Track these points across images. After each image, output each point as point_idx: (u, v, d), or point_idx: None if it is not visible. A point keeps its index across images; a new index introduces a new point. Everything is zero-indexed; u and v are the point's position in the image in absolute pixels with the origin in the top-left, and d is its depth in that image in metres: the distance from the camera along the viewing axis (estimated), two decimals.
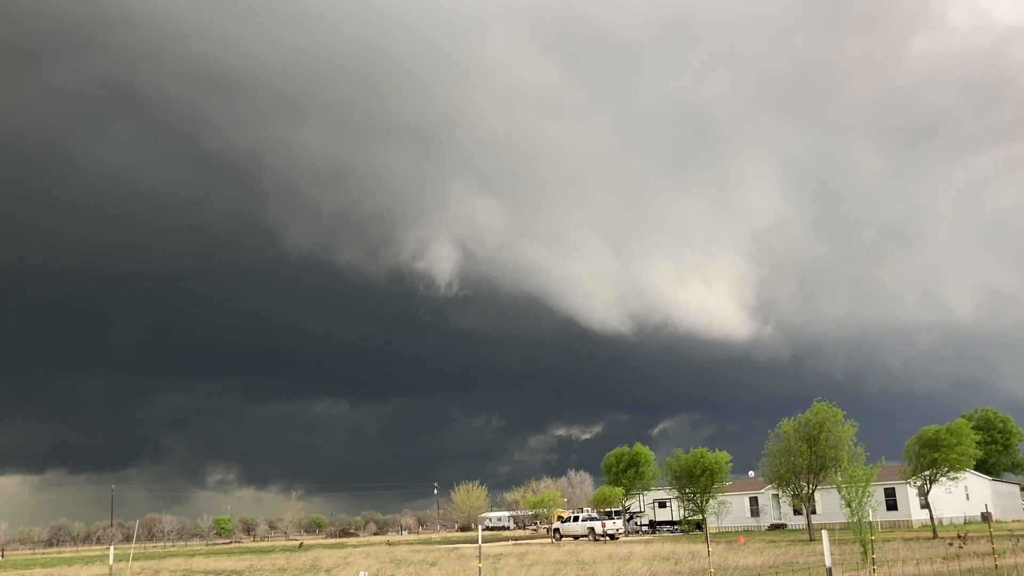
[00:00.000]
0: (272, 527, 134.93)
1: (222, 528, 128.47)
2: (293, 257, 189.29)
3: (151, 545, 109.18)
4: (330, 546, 68.02)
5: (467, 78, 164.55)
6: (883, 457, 44.03)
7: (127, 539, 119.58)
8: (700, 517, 58.81)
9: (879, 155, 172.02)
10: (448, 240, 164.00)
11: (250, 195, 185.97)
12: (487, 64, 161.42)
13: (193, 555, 59.78)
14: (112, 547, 23.11)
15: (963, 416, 67.80)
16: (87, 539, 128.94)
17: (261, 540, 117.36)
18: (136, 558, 56.22)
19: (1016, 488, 70.39)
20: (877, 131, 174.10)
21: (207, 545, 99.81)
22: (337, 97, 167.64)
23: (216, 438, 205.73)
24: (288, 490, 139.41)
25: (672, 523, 71.98)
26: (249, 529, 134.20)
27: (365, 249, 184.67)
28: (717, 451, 58.19)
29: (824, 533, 11.85)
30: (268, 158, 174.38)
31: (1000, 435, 76.99)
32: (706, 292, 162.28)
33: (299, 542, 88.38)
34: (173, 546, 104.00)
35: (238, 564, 41.88)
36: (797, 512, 59.44)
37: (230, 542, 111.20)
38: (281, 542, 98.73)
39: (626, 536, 62.32)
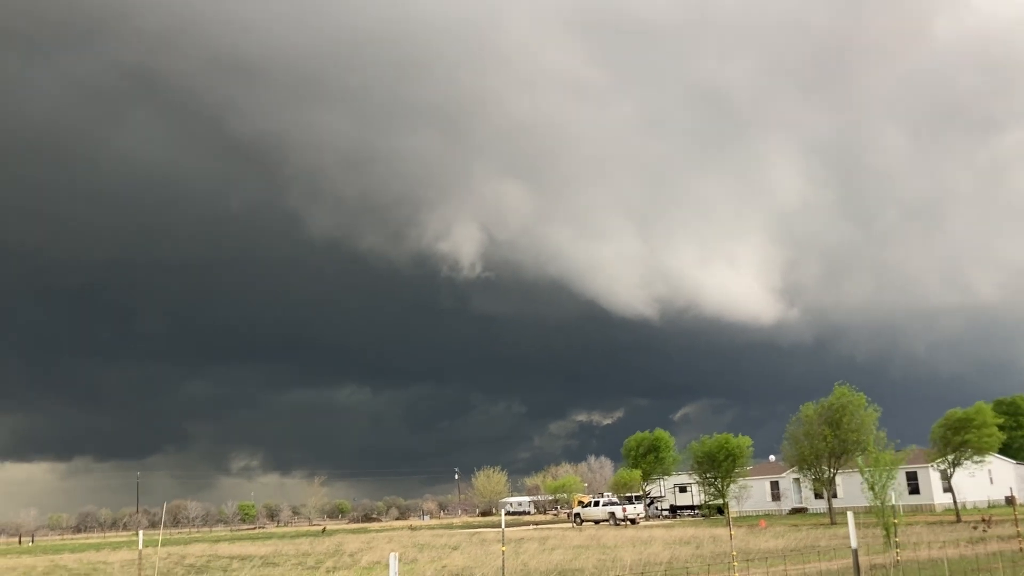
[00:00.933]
0: (296, 513, 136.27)
1: (246, 514, 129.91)
2: (316, 242, 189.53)
3: (176, 531, 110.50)
4: (353, 531, 68.59)
5: (491, 60, 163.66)
6: (913, 445, 44.00)
7: (153, 525, 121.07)
8: (721, 502, 58.80)
9: (904, 136, 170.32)
10: (471, 223, 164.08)
11: (272, 181, 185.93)
12: (511, 45, 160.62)
13: (218, 541, 60.49)
14: (141, 533, 23.43)
15: (993, 403, 67.23)
16: (114, 525, 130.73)
17: (285, 525, 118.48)
18: (162, 544, 56.96)
19: None
20: (901, 112, 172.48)
21: (231, 531, 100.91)
22: (359, 80, 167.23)
23: (240, 425, 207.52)
24: (312, 476, 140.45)
25: (693, 508, 72.01)
26: (273, 515, 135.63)
27: (387, 233, 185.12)
28: (740, 436, 58.18)
29: (850, 515, 11.86)
30: (290, 143, 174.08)
31: None
32: (730, 275, 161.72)
33: (322, 527, 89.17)
34: (198, 532, 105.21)
35: (262, 549, 42.31)
36: (818, 496, 59.29)
37: (254, 528, 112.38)
38: (304, 527, 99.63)
39: (647, 521, 62.44)
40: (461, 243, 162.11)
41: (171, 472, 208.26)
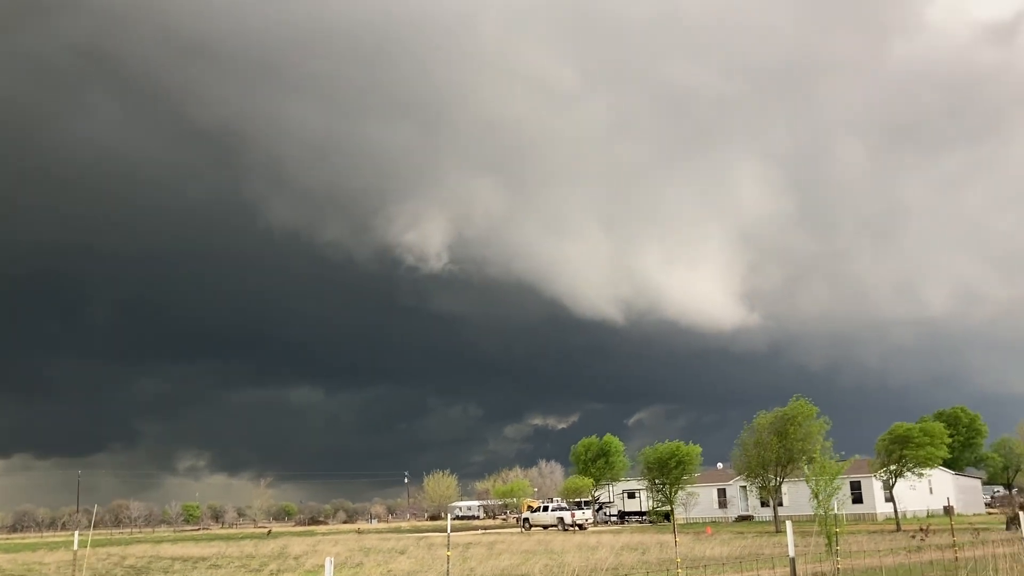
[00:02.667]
0: (241, 514, 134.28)
1: (190, 515, 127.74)
2: (275, 235, 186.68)
3: (117, 531, 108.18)
4: (299, 534, 67.79)
5: (465, 55, 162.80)
6: (856, 455, 44.73)
7: (94, 525, 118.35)
8: (669, 508, 59.26)
9: (861, 150, 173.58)
10: (437, 219, 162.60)
11: (232, 170, 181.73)
12: (487, 42, 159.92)
13: (160, 542, 59.35)
14: (77, 533, 22.84)
15: (934, 414, 68.72)
16: (52, 525, 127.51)
17: (230, 527, 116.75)
18: (101, 544, 55.70)
19: (978, 483, 71.63)
20: (860, 126, 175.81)
21: (175, 532, 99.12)
22: (327, 69, 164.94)
23: (189, 424, 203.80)
24: (260, 477, 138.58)
25: (641, 514, 72.45)
26: (218, 516, 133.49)
27: (350, 227, 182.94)
28: (691, 444, 58.70)
29: (788, 524, 11.99)
30: (252, 131, 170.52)
31: (966, 432, 78.18)
32: (691, 280, 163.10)
33: (268, 529, 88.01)
34: (140, 532, 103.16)
35: (206, 550, 41.61)
36: (764, 504, 60.07)
37: (198, 529, 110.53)
38: (250, 529, 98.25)
39: (595, 526, 62.65)
40: (426, 239, 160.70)
41: (115, 471, 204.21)
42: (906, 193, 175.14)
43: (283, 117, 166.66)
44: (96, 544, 55.71)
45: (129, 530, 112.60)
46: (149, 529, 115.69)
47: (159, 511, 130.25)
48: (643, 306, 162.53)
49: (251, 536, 64.47)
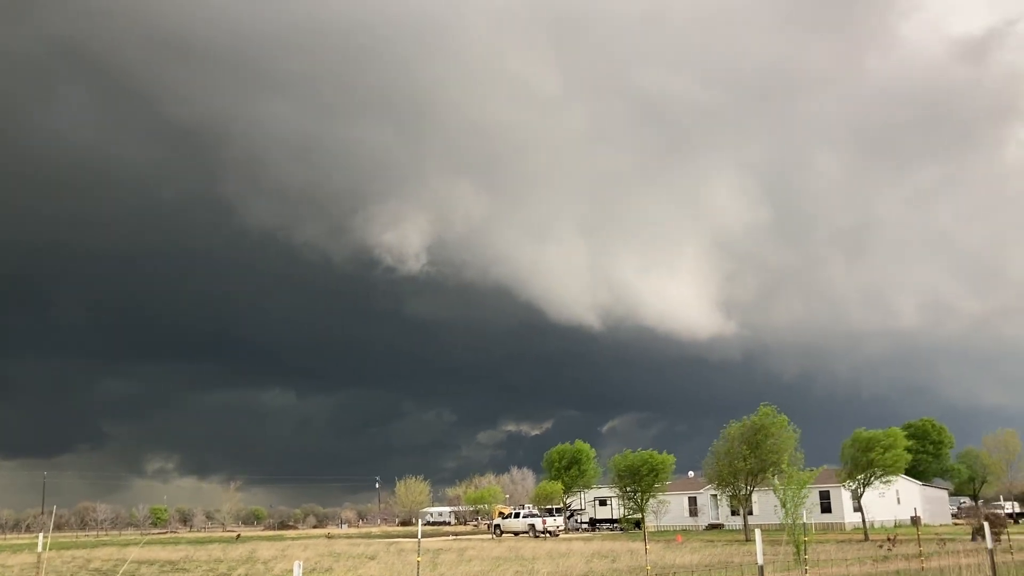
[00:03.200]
0: (210, 518, 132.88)
1: (158, 518, 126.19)
2: (250, 235, 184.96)
3: (83, 534, 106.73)
4: (268, 538, 67.23)
5: (449, 58, 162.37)
6: (825, 465, 45.08)
7: (58, 528, 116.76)
8: (640, 516, 59.42)
9: (836, 163, 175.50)
10: (416, 221, 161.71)
11: (207, 169, 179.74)
12: (471, 46, 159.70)
13: (127, 545, 58.62)
14: (41, 535, 22.52)
15: (903, 426, 69.48)
16: (16, 527, 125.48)
17: (198, 531, 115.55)
18: (66, 547, 54.93)
19: (945, 493, 72.46)
20: (835, 139, 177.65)
21: (141, 535, 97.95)
22: (307, 68, 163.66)
23: (158, 425, 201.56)
24: (230, 480, 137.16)
25: (612, 521, 72.56)
26: (186, 519, 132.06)
27: (327, 228, 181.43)
28: (664, 453, 58.87)
29: (757, 532, 12.07)
30: (228, 130, 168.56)
31: (934, 443, 79.18)
32: (667, 289, 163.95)
33: (236, 533, 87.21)
34: (107, 535, 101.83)
35: (173, 555, 41.15)
36: (734, 513, 60.37)
37: (166, 532, 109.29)
38: (218, 533, 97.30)
39: (566, 533, 62.67)
40: (404, 241, 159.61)
41: (82, 473, 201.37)
42: (879, 206, 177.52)
43: (261, 115, 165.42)
44: (61, 547, 54.92)
45: (95, 533, 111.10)
46: (116, 532, 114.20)
47: (126, 514, 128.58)
48: (620, 313, 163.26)
49: (220, 540, 63.85)
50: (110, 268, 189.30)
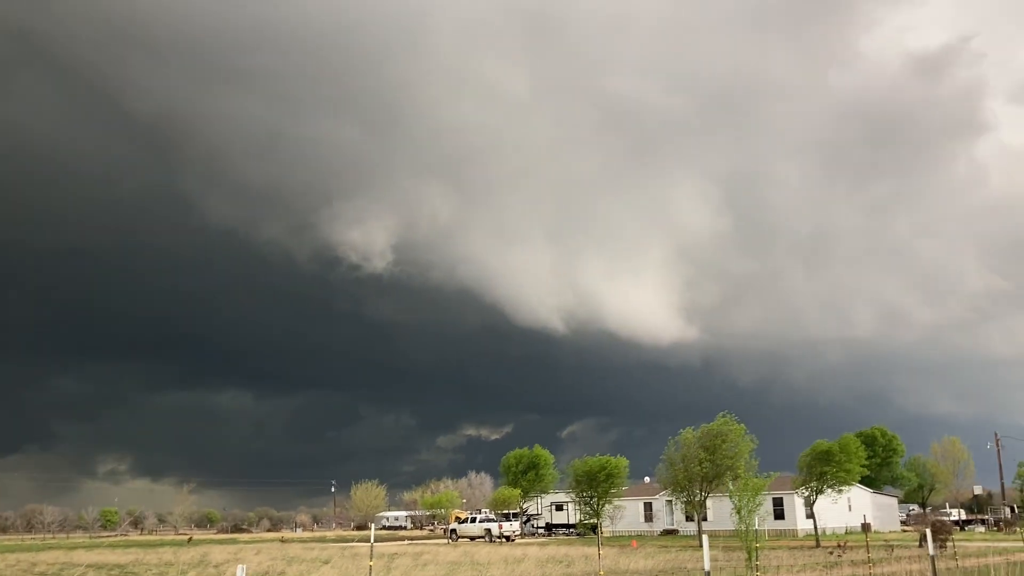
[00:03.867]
0: (161, 521, 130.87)
1: (108, 520, 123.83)
2: (210, 232, 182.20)
3: (29, 537, 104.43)
4: (221, 541, 66.34)
5: (421, 59, 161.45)
6: (777, 472, 45.53)
7: (4, 530, 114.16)
8: (596, 521, 59.65)
9: (797, 173, 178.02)
10: (381, 221, 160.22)
11: (167, 164, 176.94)
12: (443, 48, 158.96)
13: (74, 548, 57.48)
14: None
15: (855, 434, 70.62)
16: None
17: (149, 534, 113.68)
18: (11, 550, 53.72)
19: (894, 501, 73.78)
20: (797, 151, 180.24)
21: (90, 538, 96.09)
22: (275, 64, 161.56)
23: (111, 426, 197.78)
24: (183, 483, 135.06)
25: (569, 526, 72.74)
26: (137, 522, 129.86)
27: (289, 227, 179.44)
28: (619, 458, 59.18)
29: (704, 538, 12.22)
30: (191, 124, 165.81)
31: (884, 451, 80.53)
32: (630, 294, 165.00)
33: (188, 536, 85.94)
34: (53, 538, 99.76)
35: (122, 558, 40.45)
36: (689, 518, 60.91)
37: (116, 535, 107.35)
38: (170, 536, 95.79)
39: (522, 538, 62.70)
40: (369, 241, 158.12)
41: (30, 474, 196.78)
42: (838, 216, 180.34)
43: (223, 110, 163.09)
44: (5, 550, 53.72)
45: (42, 536, 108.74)
46: (64, 535, 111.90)
47: (75, 516, 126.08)
48: (584, 317, 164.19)
49: (171, 543, 62.86)
50: (63, 264, 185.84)
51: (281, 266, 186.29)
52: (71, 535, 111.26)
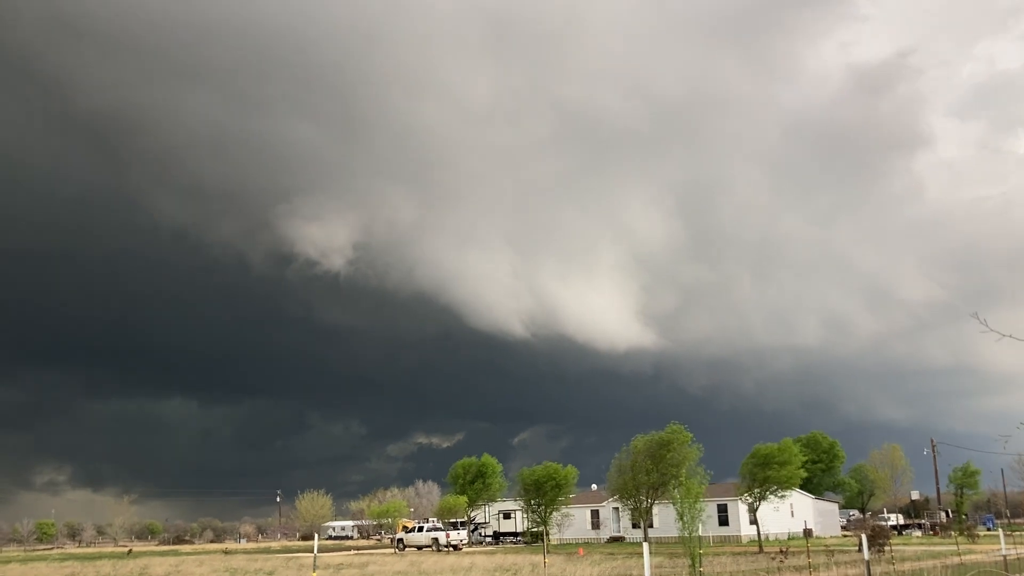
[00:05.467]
0: (101, 533, 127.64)
1: (44, 533, 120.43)
2: (160, 234, 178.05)
3: None
4: (162, 553, 64.98)
5: (383, 63, 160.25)
6: (728, 480, 45.93)
7: None
8: (543, 529, 59.75)
9: (746, 184, 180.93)
10: (338, 224, 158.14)
11: (114, 162, 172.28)
12: (405, 52, 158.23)
13: (8, 562, 55.78)
14: None
15: (795, 439, 71.92)
16: None
17: (88, 546, 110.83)
18: None
19: (835, 506, 75.17)
20: (745, 161, 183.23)
21: (25, 551, 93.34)
22: (232, 63, 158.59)
23: (49, 435, 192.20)
24: (125, 493, 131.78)
25: (516, 534, 72.75)
26: (75, 534, 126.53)
27: (240, 229, 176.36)
28: (568, 466, 59.33)
29: (645, 545, 12.34)
30: (142, 121, 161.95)
31: (825, 456, 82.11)
32: (585, 301, 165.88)
33: (128, 549, 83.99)
34: None
35: (59, 571, 39.40)
36: (636, 526, 61.28)
37: (52, 548, 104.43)
38: (109, 548, 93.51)
39: (470, 547, 62.54)
40: (324, 244, 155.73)
41: None
42: (784, 227, 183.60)
43: (175, 106, 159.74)
44: None
45: None
46: None
47: (8, 529, 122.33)
48: (541, 321, 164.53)
49: (110, 556, 61.37)
50: (2, 267, 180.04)
51: (232, 268, 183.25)
52: (3, 549, 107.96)
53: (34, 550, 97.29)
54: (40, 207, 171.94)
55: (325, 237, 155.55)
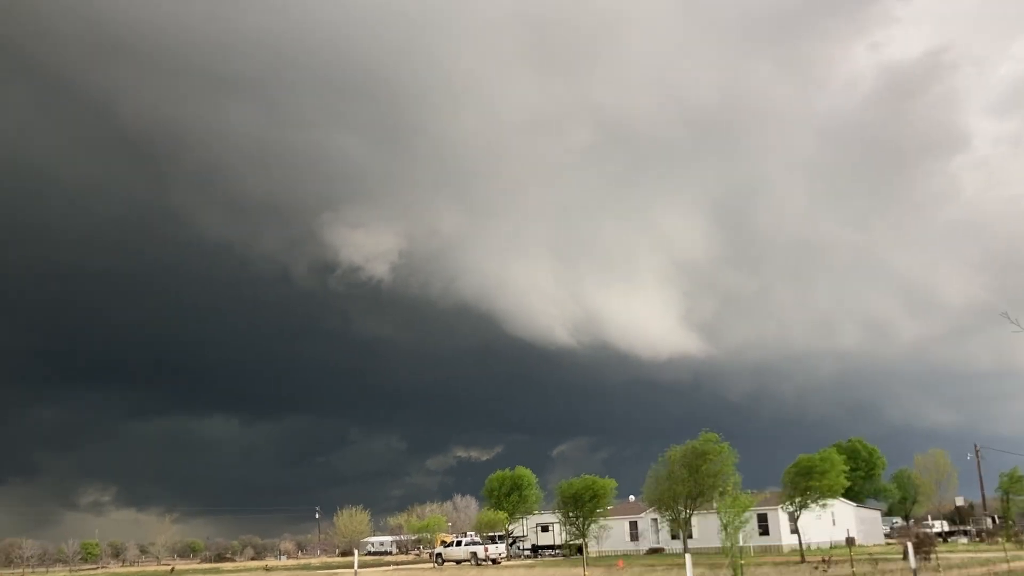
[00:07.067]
0: (144, 552, 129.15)
1: (89, 553, 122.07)
2: (204, 248, 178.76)
3: (8, 572, 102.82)
4: (204, 571, 65.64)
5: (430, 75, 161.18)
6: (767, 491, 45.62)
7: None
8: (581, 541, 59.52)
9: (785, 191, 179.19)
10: (383, 235, 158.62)
11: (157, 179, 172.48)
12: (453, 65, 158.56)
13: None
14: None
15: (833, 446, 71.05)
16: None
17: (131, 565, 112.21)
18: None
19: (878, 514, 74.12)
20: (784, 169, 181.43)
21: (71, 571, 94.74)
22: (273, 76, 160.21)
23: (94, 456, 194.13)
24: (170, 512, 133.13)
25: (555, 547, 72.50)
26: (118, 553, 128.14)
27: (284, 241, 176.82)
28: (606, 478, 59.14)
29: (688, 557, 12.37)
30: (182, 138, 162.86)
31: (865, 464, 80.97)
32: (625, 312, 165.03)
33: (171, 567, 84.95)
34: (32, 572, 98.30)
35: None
36: (675, 537, 60.82)
37: (97, 568, 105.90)
38: (152, 567, 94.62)
39: (508, 560, 62.45)
40: (367, 250, 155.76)
41: (11, 506, 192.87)
42: (822, 232, 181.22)
43: (219, 121, 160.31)
44: None
45: (21, 570, 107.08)
46: (43, 569, 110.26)
47: (55, 550, 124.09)
48: (585, 328, 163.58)
49: (153, 574, 62.14)
50: (47, 287, 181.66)
51: (274, 281, 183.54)
52: (51, 569, 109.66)
53: (79, 570, 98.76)
54: (84, 226, 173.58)
55: (369, 243, 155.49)
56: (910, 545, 18.78)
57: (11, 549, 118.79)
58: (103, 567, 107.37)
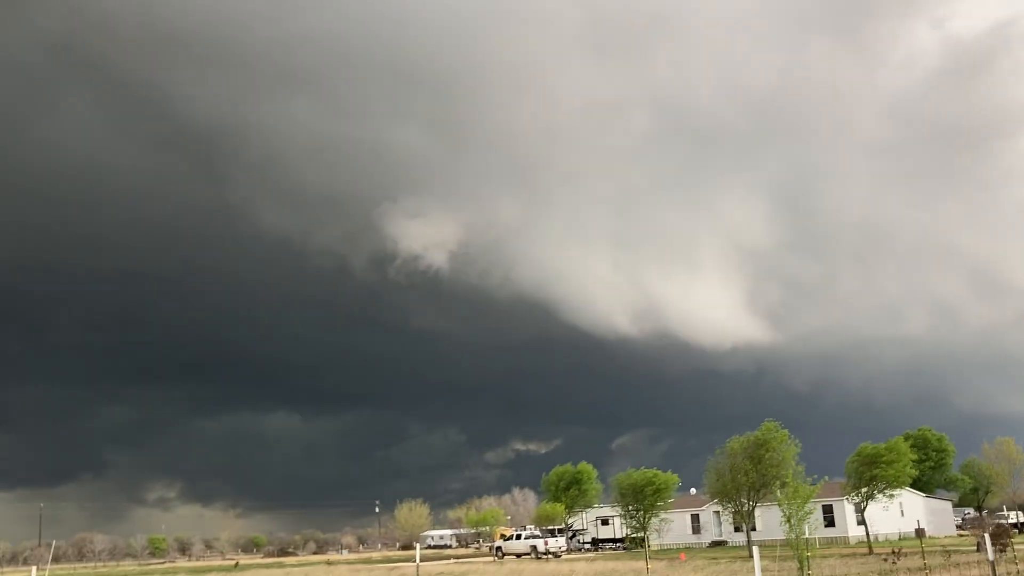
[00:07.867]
0: (209, 547, 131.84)
1: (156, 548, 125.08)
2: (260, 244, 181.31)
3: (81, 566, 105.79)
4: (267, 566, 66.57)
5: (491, 64, 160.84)
6: (827, 477, 44.53)
7: (56, 560, 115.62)
8: (642, 534, 58.89)
9: (849, 175, 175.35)
10: (438, 222, 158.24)
11: (215, 175, 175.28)
12: (507, 48, 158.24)
13: None
14: (35, 568, 22.24)
15: (902, 435, 69.26)
16: (13, 560, 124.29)
17: (197, 560, 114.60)
18: None
19: (948, 505, 72.00)
20: (848, 152, 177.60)
21: (139, 565, 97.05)
22: (331, 68, 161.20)
23: (160, 452, 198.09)
24: (232, 507, 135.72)
25: (615, 540, 71.97)
26: (184, 549, 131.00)
27: (343, 233, 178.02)
28: (668, 472, 58.41)
29: (755, 549, 11.88)
30: (237, 137, 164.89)
31: (935, 453, 78.69)
32: (687, 300, 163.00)
33: (235, 562, 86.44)
34: (104, 566, 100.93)
35: None
36: (737, 529, 59.79)
37: (164, 562, 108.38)
38: (217, 562, 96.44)
39: (568, 554, 62.14)
40: (426, 239, 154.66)
41: (82, 502, 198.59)
42: (887, 215, 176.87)
43: (278, 115, 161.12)
44: None
45: (93, 564, 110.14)
46: (113, 563, 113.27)
47: (124, 544, 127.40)
48: (644, 320, 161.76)
49: (218, 569, 63.24)
50: (110, 286, 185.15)
51: (334, 275, 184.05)
52: (121, 563, 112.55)
53: (148, 564, 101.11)
54: (141, 225, 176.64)
55: (428, 233, 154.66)
56: (987, 536, 17.93)
57: (83, 543, 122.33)
58: (170, 562, 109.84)
